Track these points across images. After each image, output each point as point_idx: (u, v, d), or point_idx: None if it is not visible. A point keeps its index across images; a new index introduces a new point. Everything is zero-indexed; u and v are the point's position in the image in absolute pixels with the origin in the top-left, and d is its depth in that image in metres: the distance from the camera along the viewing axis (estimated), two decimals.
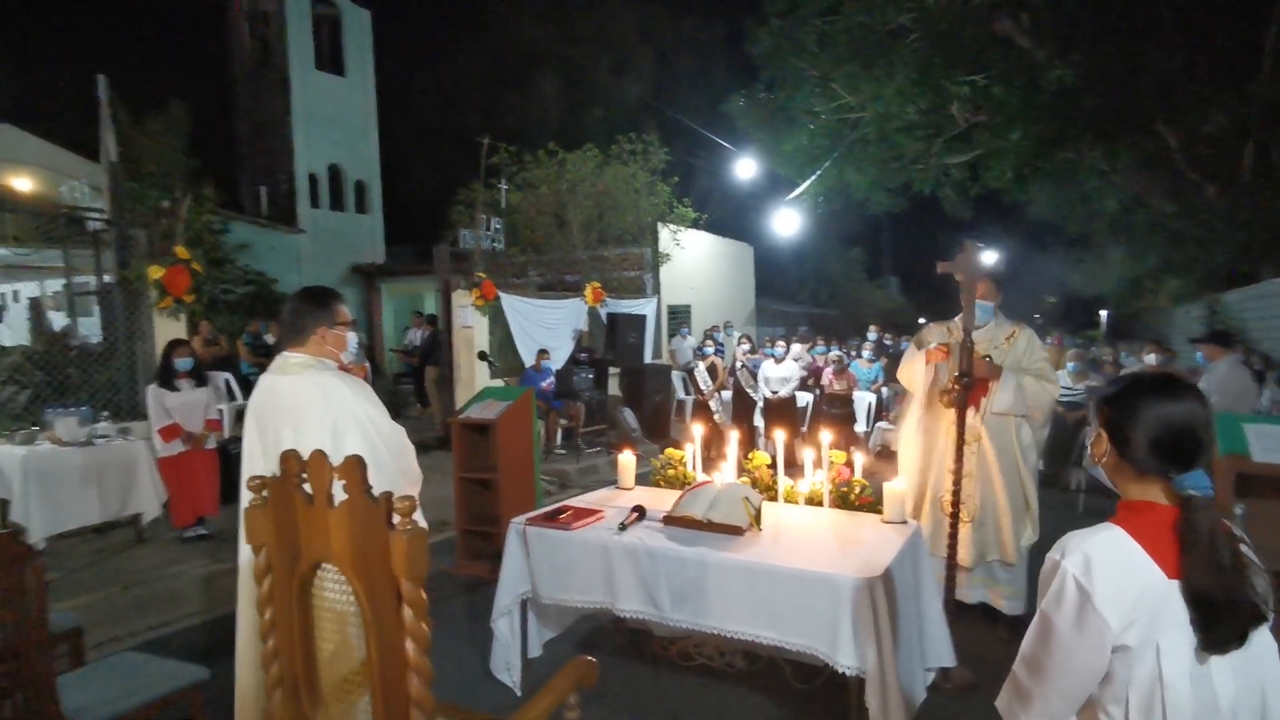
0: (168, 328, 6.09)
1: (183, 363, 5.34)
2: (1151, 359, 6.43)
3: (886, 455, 5.94)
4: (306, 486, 1.52)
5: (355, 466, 1.42)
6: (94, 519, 5.05)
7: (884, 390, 9.34)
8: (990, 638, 3.77)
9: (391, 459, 2.23)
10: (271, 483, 1.59)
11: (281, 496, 1.56)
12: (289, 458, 1.54)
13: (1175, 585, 1.20)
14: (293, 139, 16.26)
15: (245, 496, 2.09)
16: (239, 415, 8.58)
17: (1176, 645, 1.19)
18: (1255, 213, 10.31)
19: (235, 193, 16.46)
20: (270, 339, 10.60)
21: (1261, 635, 1.21)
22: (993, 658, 3.54)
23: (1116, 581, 1.20)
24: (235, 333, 10.95)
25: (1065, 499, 6.75)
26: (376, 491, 1.43)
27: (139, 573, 4.72)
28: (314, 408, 2.15)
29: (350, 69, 17.47)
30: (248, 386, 9.63)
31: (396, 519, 1.38)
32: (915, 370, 3.73)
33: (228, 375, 9.01)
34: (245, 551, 2.18)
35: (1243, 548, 1.22)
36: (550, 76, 21.65)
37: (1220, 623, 1.17)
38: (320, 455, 1.48)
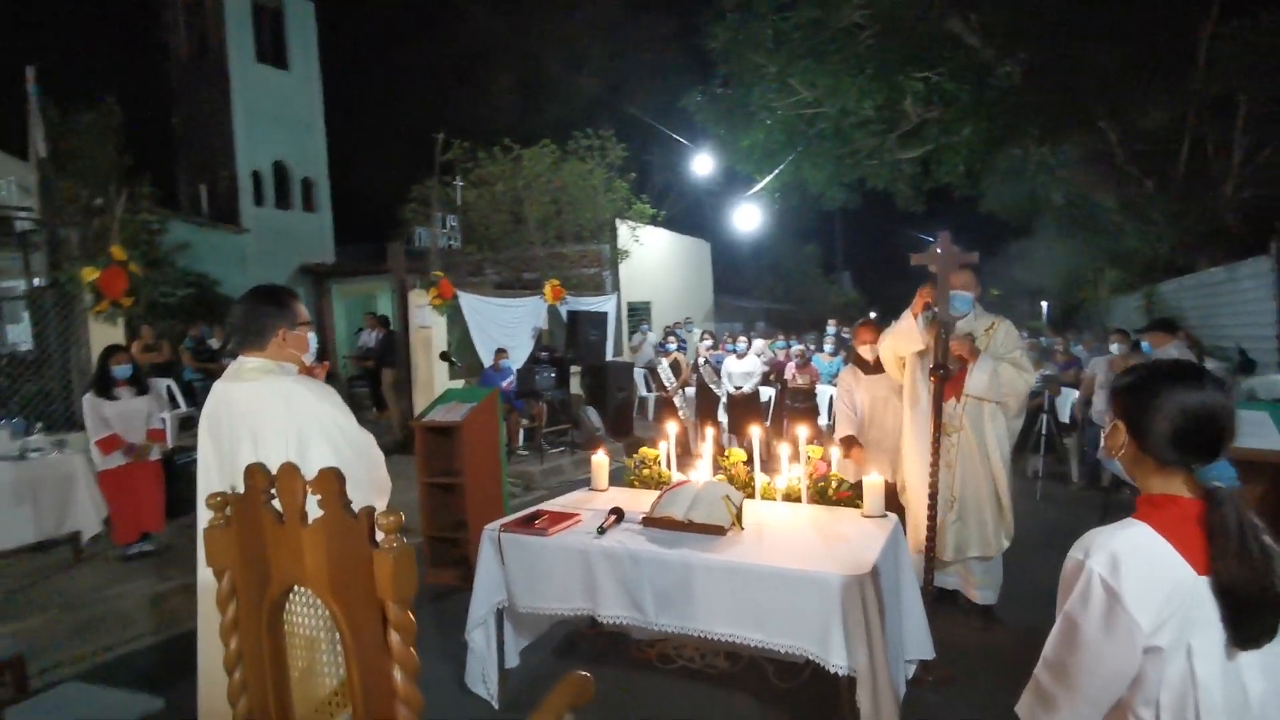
0: (104, 333, 5.75)
1: (121, 370, 5.03)
2: (1115, 349, 6.58)
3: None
4: (275, 503, 1.39)
5: (332, 479, 1.29)
6: (29, 538, 4.73)
7: None
8: (965, 627, 3.79)
9: (360, 467, 2.09)
10: (235, 500, 1.45)
11: (247, 515, 1.43)
12: (255, 472, 1.40)
13: (1204, 582, 1.15)
14: (234, 134, 15.63)
15: (203, 515, 1.93)
16: (182, 424, 8.23)
17: (1208, 644, 1.15)
18: (1190, 206, 10.74)
19: (173, 191, 15.76)
20: (214, 343, 10.17)
21: None
22: (970, 648, 3.58)
23: (1146, 580, 1.15)
24: (176, 337, 10.48)
25: (1023, 486, 6.87)
26: (355, 505, 1.32)
27: (80, 594, 4.43)
28: (274, 416, 2.00)
29: (294, 62, 16.88)
30: (191, 393, 9.22)
31: (380, 536, 1.26)
32: (901, 329, 3.66)
33: (169, 382, 8.62)
34: (206, 574, 2.02)
35: (1266, 537, 1.19)
36: (503, 71, 21.31)
37: (1252, 617, 1.13)
38: (291, 468, 1.36)
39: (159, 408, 5.34)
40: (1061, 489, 7.05)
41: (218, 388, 2.11)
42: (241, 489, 1.45)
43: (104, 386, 4.96)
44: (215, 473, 2.05)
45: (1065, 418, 7.90)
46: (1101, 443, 1.43)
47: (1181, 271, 11.72)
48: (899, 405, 4.16)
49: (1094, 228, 13.41)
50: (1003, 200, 14.13)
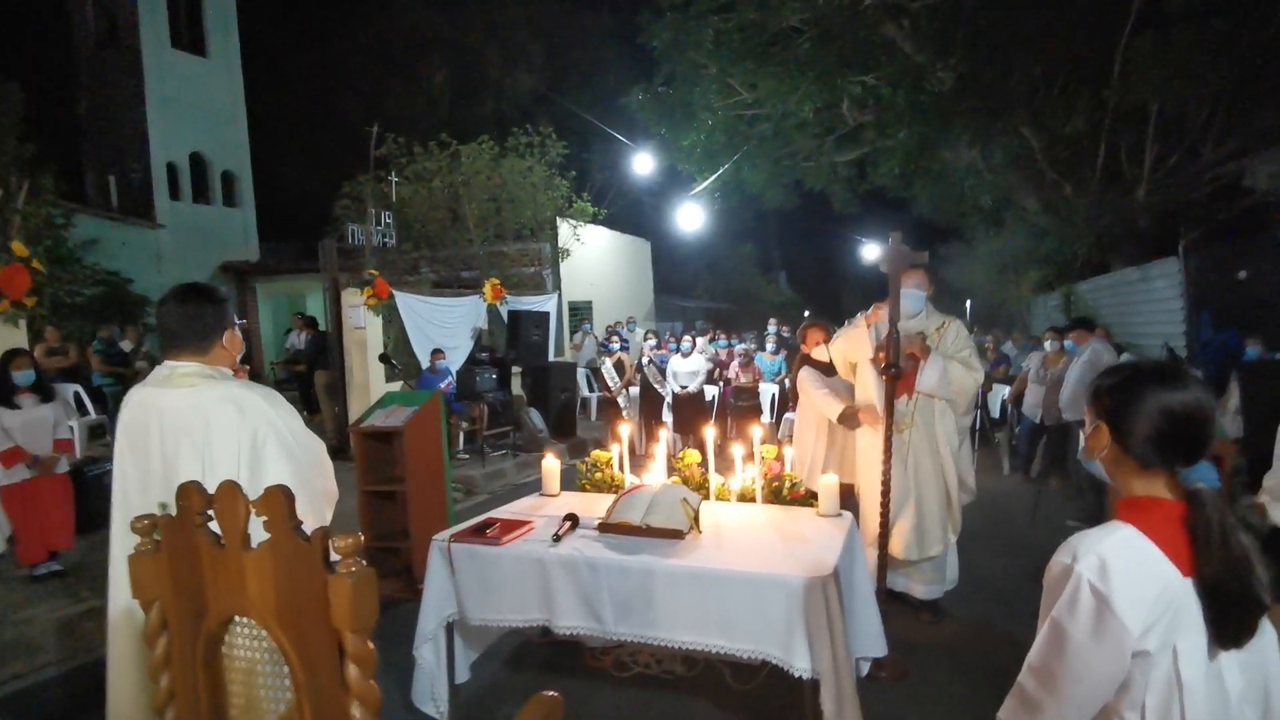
0: (4, 336, 5.29)
1: (22, 376, 4.65)
2: (1048, 345, 6.91)
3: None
4: (213, 525, 1.25)
5: (278, 498, 1.17)
6: None
7: (787, 381, 9.55)
8: (914, 622, 3.85)
9: (317, 477, 1.95)
10: (165, 522, 1.31)
11: (179, 539, 1.28)
12: (189, 491, 1.26)
13: (1190, 583, 1.16)
14: (147, 124, 14.72)
15: (119, 538, 1.77)
16: (92, 432, 7.68)
17: (1193, 646, 1.15)
18: (1105, 209, 11.32)
19: (80, 183, 14.75)
20: (126, 346, 9.55)
21: (1263, 626, 1.20)
22: (921, 642, 3.63)
23: (1135, 585, 1.14)
24: (85, 339, 9.80)
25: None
26: (307, 525, 1.20)
27: None
28: (226, 425, 1.83)
29: (213, 49, 16.03)
30: (101, 399, 8.63)
31: (336, 559, 1.15)
32: (853, 334, 3.74)
33: (77, 388, 8.05)
34: (120, 604, 1.83)
35: (1244, 537, 1.20)
36: (440, 64, 20.74)
37: (1235, 617, 1.14)
38: (231, 486, 1.22)
39: (66, 416, 4.96)
40: (994, 482, 7.30)
41: (141, 395, 1.91)
42: (174, 508, 1.31)
43: (4, 394, 4.58)
44: (138, 491, 1.86)
45: (995, 413, 8.22)
46: (1079, 442, 1.44)
47: (1098, 271, 12.34)
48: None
49: (1017, 228, 14.01)
50: (934, 203, 14.61)
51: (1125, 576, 1.14)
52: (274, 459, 1.82)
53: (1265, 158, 9.51)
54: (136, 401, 1.90)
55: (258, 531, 1.21)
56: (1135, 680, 1.16)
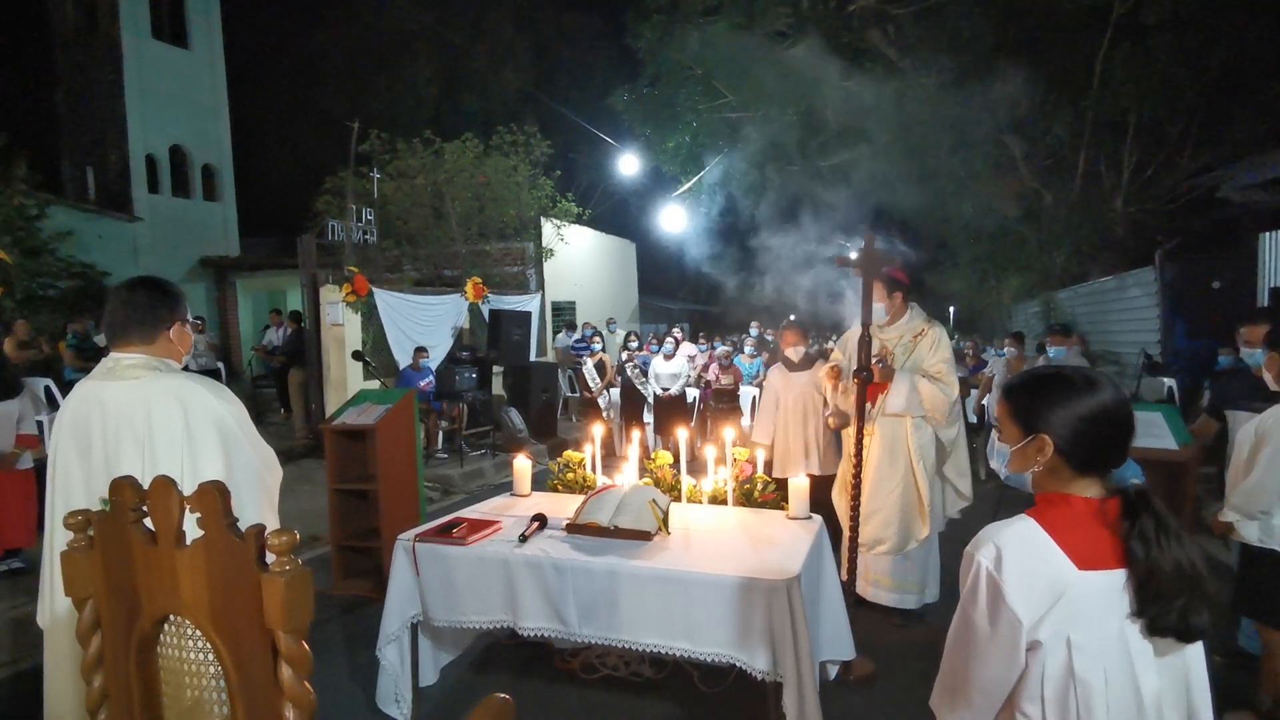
0: None
1: None
2: (1010, 351, 7.10)
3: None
4: (147, 522, 1.22)
5: (213, 494, 1.14)
6: None
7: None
8: (884, 625, 3.85)
9: (269, 475, 1.92)
10: (98, 518, 1.27)
11: (112, 535, 1.24)
12: (123, 486, 1.23)
13: (1085, 577, 1.17)
14: (125, 116, 14.49)
15: (59, 535, 1.73)
16: None
17: (1088, 640, 1.17)
18: (1084, 218, 11.45)
19: (56, 174, 14.49)
20: (100, 340, 9.39)
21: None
22: (890, 646, 3.63)
23: (1025, 573, 1.18)
24: (57, 333, 9.63)
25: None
26: (244, 521, 1.16)
27: None
28: (168, 418, 1.78)
29: (195, 41, 15.81)
30: None
31: (270, 558, 1.12)
32: (823, 385, 3.93)
33: (48, 382, 7.90)
34: (61, 603, 1.79)
35: (1181, 532, 1.21)
36: (424, 61, 20.61)
37: (1166, 605, 1.14)
38: (165, 481, 1.19)
39: (33, 410, 4.85)
40: (973, 486, 7.33)
41: (84, 389, 1.86)
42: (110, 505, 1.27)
43: None
44: (81, 487, 1.82)
45: (973, 418, 8.26)
46: (996, 449, 1.46)
47: (1076, 280, 12.48)
48: (818, 400, 4.75)
49: (998, 236, 14.12)
50: (918, 209, 14.67)
51: (1017, 566, 1.18)
52: (217, 453, 1.78)
53: (1239, 169, 9.65)
54: (80, 396, 1.85)
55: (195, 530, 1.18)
56: (1031, 671, 1.19)
